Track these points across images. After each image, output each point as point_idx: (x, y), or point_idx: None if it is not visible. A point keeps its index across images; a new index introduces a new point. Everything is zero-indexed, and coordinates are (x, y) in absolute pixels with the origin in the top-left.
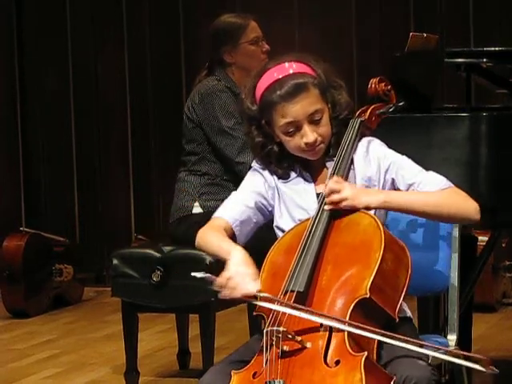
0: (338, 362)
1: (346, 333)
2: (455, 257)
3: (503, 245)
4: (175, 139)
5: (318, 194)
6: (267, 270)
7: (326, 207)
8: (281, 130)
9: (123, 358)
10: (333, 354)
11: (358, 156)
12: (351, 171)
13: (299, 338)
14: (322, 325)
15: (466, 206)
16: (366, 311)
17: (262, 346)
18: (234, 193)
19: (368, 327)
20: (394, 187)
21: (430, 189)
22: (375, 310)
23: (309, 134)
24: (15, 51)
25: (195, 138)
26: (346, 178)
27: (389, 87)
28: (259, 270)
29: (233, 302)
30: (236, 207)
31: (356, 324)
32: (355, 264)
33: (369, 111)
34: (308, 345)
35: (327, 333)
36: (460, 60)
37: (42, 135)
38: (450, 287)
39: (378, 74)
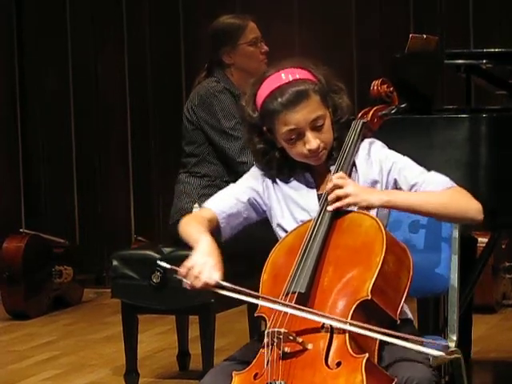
0: (339, 364)
1: (347, 334)
2: (455, 258)
3: (503, 246)
4: (175, 140)
5: (319, 196)
6: (269, 271)
7: (329, 208)
8: (283, 137)
9: (123, 359)
10: (334, 356)
11: (360, 159)
12: (354, 173)
13: (300, 340)
14: (323, 326)
15: (470, 205)
16: (368, 313)
17: (263, 347)
18: (230, 185)
19: (369, 326)
20: (397, 188)
21: (433, 188)
22: (376, 312)
23: (312, 141)
24: (15, 51)
25: (195, 139)
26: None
27: (391, 89)
28: (260, 272)
29: (231, 303)
30: (227, 199)
31: (357, 324)
32: (357, 266)
33: (371, 113)
34: (309, 346)
35: (328, 334)
36: (460, 61)
37: (42, 135)
38: (450, 288)
39: (378, 74)
